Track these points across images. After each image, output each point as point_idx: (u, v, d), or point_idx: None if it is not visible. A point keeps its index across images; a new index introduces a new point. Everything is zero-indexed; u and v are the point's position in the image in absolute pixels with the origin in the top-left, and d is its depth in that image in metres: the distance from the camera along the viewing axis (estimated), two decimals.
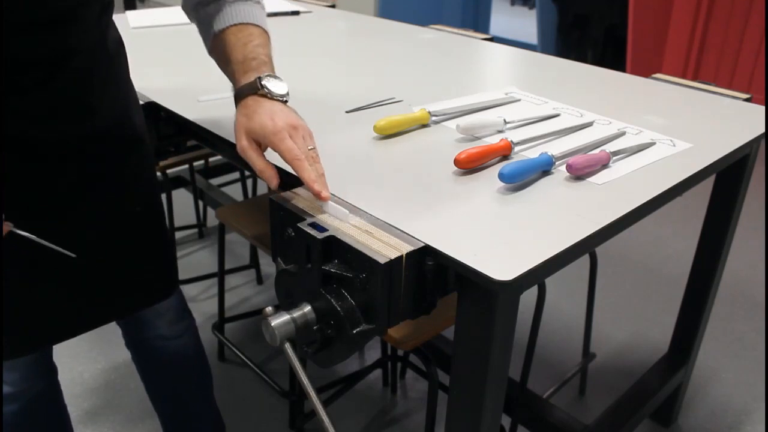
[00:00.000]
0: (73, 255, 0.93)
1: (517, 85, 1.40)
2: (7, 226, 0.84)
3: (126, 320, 1.26)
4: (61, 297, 1.00)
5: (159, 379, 1.35)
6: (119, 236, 1.03)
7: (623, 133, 1.13)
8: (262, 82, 0.88)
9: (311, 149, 0.86)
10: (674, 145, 1.09)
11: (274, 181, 0.85)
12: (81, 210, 0.96)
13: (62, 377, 1.22)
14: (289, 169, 0.85)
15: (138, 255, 1.08)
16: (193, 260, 2.40)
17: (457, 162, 0.95)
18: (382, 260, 0.72)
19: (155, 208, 1.11)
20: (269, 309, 0.79)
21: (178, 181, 2.58)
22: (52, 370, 1.19)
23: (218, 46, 0.96)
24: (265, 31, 0.96)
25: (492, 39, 1.84)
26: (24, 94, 0.83)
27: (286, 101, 0.90)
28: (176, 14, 1.97)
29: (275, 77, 0.90)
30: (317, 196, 0.81)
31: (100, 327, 1.08)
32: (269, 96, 0.88)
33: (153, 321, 1.22)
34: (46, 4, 0.79)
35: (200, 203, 2.58)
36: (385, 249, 0.74)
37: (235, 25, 0.93)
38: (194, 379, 1.35)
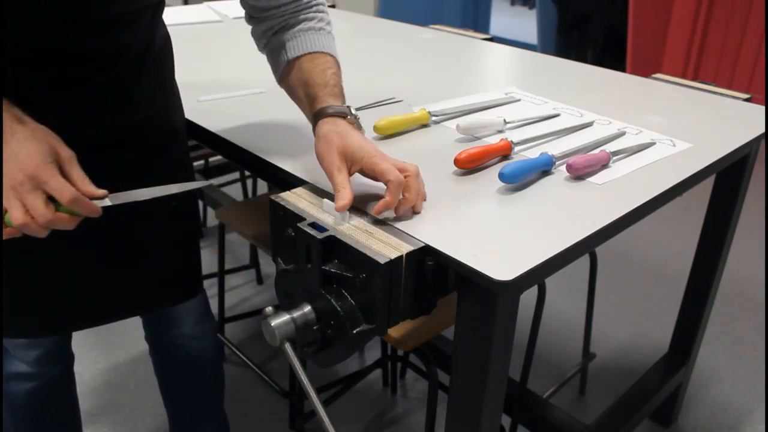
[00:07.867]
0: (210, 182, 0.95)
1: (517, 85, 1.40)
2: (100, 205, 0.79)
3: (149, 316, 1.28)
4: (89, 285, 1.02)
5: (173, 377, 1.36)
6: (153, 230, 1.04)
7: (623, 133, 1.13)
8: (355, 114, 0.90)
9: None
10: (674, 145, 1.09)
11: (346, 203, 0.80)
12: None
13: None
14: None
15: (169, 251, 1.09)
16: None
17: (457, 162, 0.95)
18: (382, 260, 0.72)
19: (189, 207, 1.12)
20: (269, 309, 0.79)
21: None
22: (69, 356, 1.21)
23: (292, 72, 0.97)
24: (337, 61, 0.98)
25: (492, 39, 1.84)
26: (71, 88, 0.85)
27: None
28: (176, 15, 1.97)
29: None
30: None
31: (100, 327, 1.08)
32: (358, 128, 0.89)
33: (177, 320, 1.23)
34: (112, 6, 0.84)
35: (200, 203, 2.58)
36: (385, 249, 0.74)
37: (310, 53, 0.95)
38: (208, 384, 1.36)
